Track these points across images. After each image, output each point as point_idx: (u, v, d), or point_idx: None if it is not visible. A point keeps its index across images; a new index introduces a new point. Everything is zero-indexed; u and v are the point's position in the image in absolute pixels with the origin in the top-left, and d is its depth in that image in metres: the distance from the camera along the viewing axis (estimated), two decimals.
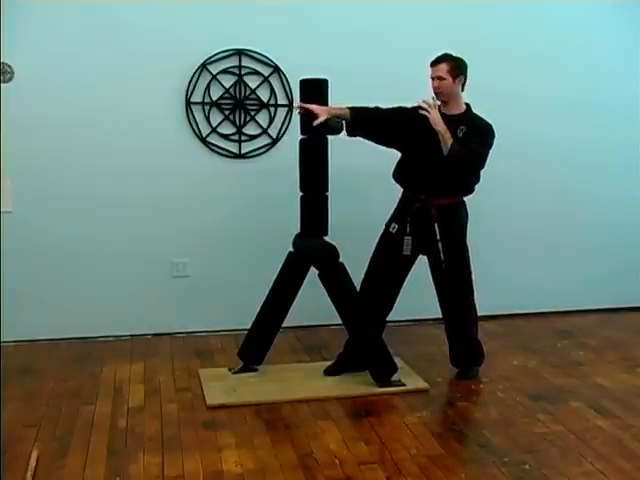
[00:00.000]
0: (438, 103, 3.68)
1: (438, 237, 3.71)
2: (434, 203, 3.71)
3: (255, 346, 3.94)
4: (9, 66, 4.20)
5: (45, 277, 4.41)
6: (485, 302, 4.81)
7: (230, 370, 3.93)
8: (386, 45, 4.58)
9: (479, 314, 4.68)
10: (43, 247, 4.38)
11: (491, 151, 3.71)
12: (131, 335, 4.56)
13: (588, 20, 4.96)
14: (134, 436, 3.20)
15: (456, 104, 3.73)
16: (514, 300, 5.06)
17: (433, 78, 3.68)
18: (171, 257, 4.59)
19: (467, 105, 3.78)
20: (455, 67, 3.66)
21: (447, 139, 3.57)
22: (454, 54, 3.69)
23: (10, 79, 4.21)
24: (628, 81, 5.08)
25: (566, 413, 3.48)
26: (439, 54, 3.70)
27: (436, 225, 3.71)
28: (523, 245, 5.05)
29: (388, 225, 3.86)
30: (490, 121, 3.72)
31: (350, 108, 3.67)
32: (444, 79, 3.65)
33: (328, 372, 3.91)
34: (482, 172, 3.80)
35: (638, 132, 5.13)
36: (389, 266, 3.83)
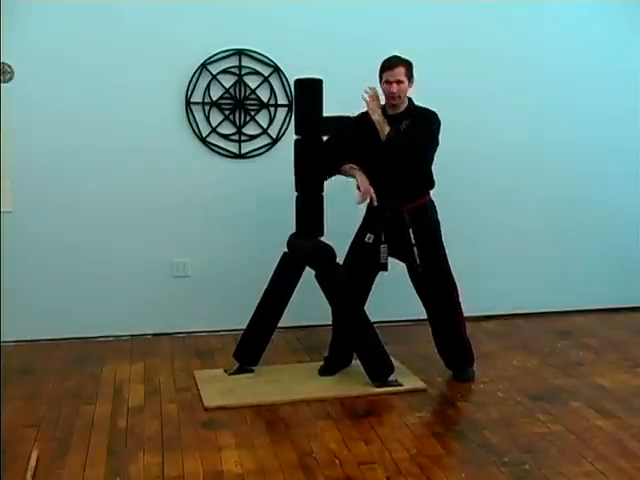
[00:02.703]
0: (377, 95, 3.65)
1: (413, 242, 3.72)
2: (405, 208, 3.71)
3: (250, 347, 3.93)
4: (9, 66, 4.20)
5: (45, 277, 4.41)
6: (485, 302, 4.85)
7: (226, 371, 3.93)
8: (386, 46, 4.54)
9: (479, 314, 4.71)
10: (43, 247, 4.38)
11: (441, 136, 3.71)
12: (131, 335, 4.56)
13: (587, 24, 4.96)
14: (134, 436, 3.20)
15: (402, 104, 3.72)
16: (514, 300, 5.06)
17: (390, 82, 3.62)
18: (171, 257, 4.59)
19: (409, 99, 3.75)
20: (410, 69, 3.66)
21: (384, 127, 3.58)
22: (403, 56, 3.66)
23: (10, 79, 4.21)
24: (628, 86, 5.08)
25: (566, 413, 3.47)
26: (391, 56, 3.66)
27: (410, 230, 3.71)
28: (523, 245, 5.04)
29: (362, 234, 3.84)
30: (433, 109, 3.70)
31: None
32: (402, 82, 3.62)
33: (323, 373, 3.93)
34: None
35: (638, 136, 5.13)
36: (363, 274, 3.84)
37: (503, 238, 4.98)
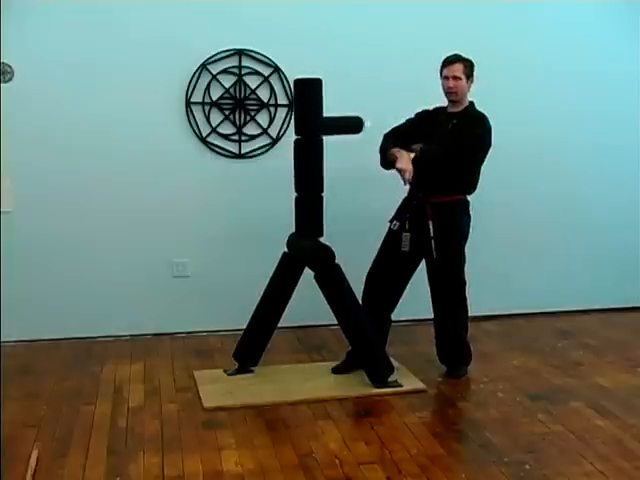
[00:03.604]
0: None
1: (432, 234, 3.73)
2: (429, 201, 3.74)
3: (250, 347, 3.93)
4: (9, 66, 4.19)
5: (45, 277, 4.40)
6: (485, 302, 4.84)
7: (225, 372, 3.92)
8: (386, 47, 4.57)
9: (479, 314, 4.70)
10: (43, 247, 4.37)
11: (491, 150, 3.75)
12: (131, 335, 4.56)
13: (587, 24, 4.96)
14: (134, 436, 3.20)
15: (462, 103, 3.77)
16: (514, 300, 5.06)
17: (448, 77, 3.70)
18: (171, 257, 4.59)
19: (470, 102, 3.81)
20: (469, 68, 3.72)
21: (415, 154, 3.65)
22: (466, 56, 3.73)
23: (10, 79, 4.21)
24: (628, 86, 5.07)
25: (566, 413, 3.48)
26: (452, 54, 3.73)
27: (430, 223, 3.73)
28: (523, 245, 5.04)
29: (391, 222, 3.88)
30: (486, 114, 3.75)
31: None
32: (460, 79, 3.68)
33: (337, 371, 3.91)
34: (484, 173, 3.81)
35: (637, 136, 5.13)
36: (391, 262, 3.86)
37: (503, 238, 4.97)
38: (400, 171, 3.60)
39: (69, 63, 4.26)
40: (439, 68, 3.77)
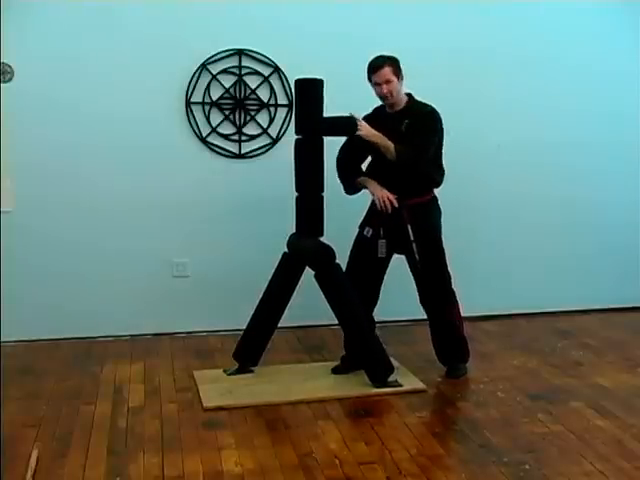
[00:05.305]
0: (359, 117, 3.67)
1: (412, 238, 3.73)
2: (404, 204, 3.71)
3: (250, 347, 3.93)
4: (9, 66, 4.20)
5: (45, 277, 4.40)
6: (485, 302, 4.85)
7: (225, 372, 3.93)
8: (386, 47, 4.54)
9: (479, 314, 4.71)
10: (43, 247, 4.37)
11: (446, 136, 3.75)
12: (131, 335, 4.56)
13: (587, 24, 4.96)
14: (134, 436, 3.20)
15: (400, 101, 3.72)
16: (514, 300, 5.06)
17: (379, 84, 3.63)
18: (171, 257, 4.59)
19: (408, 95, 3.76)
20: (397, 67, 3.66)
21: (387, 146, 3.61)
22: (388, 54, 3.68)
23: (10, 79, 4.21)
24: (630, 85, 5.08)
25: (566, 413, 3.48)
26: (375, 57, 3.68)
27: (409, 226, 3.72)
28: (523, 245, 5.05)
29: (362, 228, 3.86)
30: (433, 105, 3.71)
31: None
32: (392, 81, 3.62)
33: (337, 371, 3.91)
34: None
35: (637, 135, 5.14)
36: (366, 269, 3.84)
37: (503, 238, 4.98)
38: (380, 199, 3.67)
39: (69, 63, 4.26)
40: (367, 74, 3.71)
